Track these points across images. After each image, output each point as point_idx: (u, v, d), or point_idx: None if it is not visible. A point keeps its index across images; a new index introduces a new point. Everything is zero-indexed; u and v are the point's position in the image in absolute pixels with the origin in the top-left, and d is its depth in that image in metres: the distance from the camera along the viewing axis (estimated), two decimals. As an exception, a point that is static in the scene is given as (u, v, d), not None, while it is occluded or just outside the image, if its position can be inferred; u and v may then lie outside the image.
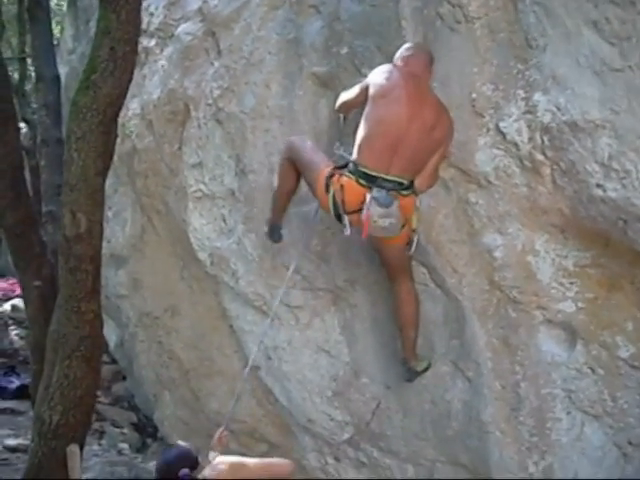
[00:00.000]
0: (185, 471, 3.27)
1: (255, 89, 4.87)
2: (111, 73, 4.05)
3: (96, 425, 6.85)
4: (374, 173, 3.77)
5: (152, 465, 6.29)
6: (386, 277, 4.27)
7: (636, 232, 3.44)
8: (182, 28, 5.41)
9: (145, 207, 6.00)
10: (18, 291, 11.01)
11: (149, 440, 7.17)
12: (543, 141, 3.62)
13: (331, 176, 3.91)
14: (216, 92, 5.07)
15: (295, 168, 4.22)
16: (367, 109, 3.85)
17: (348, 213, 3.85)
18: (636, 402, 3.80)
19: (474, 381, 4.16)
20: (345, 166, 3.92)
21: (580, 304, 3.83)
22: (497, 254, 3.94)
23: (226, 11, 5.07)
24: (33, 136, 10.36)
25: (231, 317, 5.30)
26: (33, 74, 11.84)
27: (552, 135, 3.57)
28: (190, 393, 6.00)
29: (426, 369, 4.26)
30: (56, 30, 10.66)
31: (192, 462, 3.34)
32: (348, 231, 3.88)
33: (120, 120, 4.48)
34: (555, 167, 3.62)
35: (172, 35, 5.51)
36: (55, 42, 7.78)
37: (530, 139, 3.68)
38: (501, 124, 3.77)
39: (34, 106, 11.17)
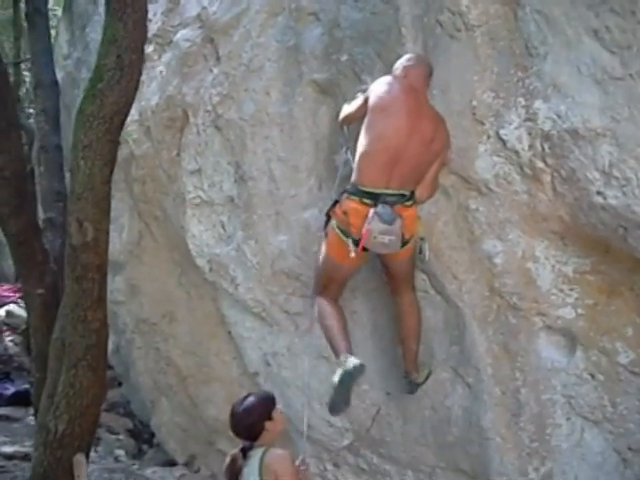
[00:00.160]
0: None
1: (255, 96, 4.88)
2: (117, 81, 4.05)
3: (92, 432, 6.82)
4: (376, 190, 3.78)
5: (149, 471, 6.29)
6: (387, 286, 4.27)
7: (636, 239, 3.46)
8: (181, 34, 5.41)
9: (143, 213, 6.00)
10: (13, 297, 10.98)
11: (145, 446, 7.15)
12: (543, 149, 3.64)
13: (329, 218, 3.99)
14: (215, 99, 5.08)
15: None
16: (366, 121, 3.87)
17: (356, 236, 3.82)
18: (636, 408, 3.82)
19: (474, 387, 4.17)
20: (342, 193, 3.94)
21: (580, 310, 3.85)
22: (497, 261, 3.95)
23: (225, 18, 5.08)
24: (29, 142, 10.32)
25: (229, 323, 5.29)
26: (27, 79, 11.87)
27: (553, 143, 3.59)
28: (188, 399, 6.00)
29: (426, 379, 4.25)
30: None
31: (270, 408, 3.41)
32: (353, 253, 3.83)
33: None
34: (555, 174, 3.63)
35: (170, 41, 5.51)
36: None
37: (530, 146, 3.69)
38: (501, 131, 3.78)
39: (29, 111, 11.16)
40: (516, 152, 3.75)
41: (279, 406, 3.48)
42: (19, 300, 9.94)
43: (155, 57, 5.63)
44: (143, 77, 5.56)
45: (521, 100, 3.71)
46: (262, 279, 4.97)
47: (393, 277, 4.16)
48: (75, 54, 7.38)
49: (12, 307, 10.67)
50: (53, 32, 8.78)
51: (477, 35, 3.84)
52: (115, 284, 6.53)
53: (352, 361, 3.79)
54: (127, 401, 7.68)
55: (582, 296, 3.83)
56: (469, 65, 3.87)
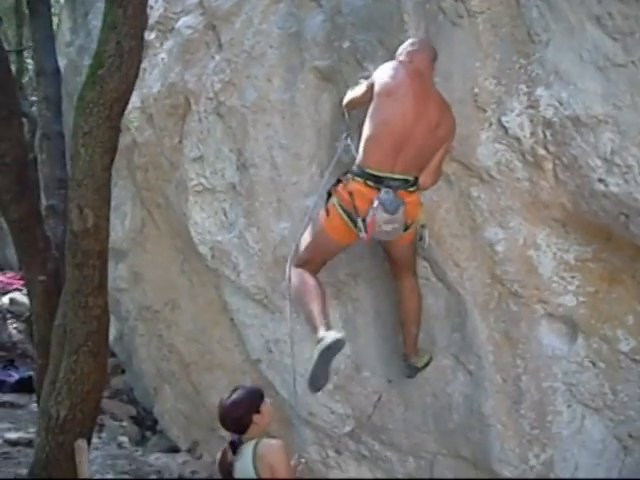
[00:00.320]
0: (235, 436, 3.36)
1: (256, 83, 4.87)
2: (118, 68, 4.05)
3: (95, 418, 6.86)
4: (381, 173, 3.77)
5: (152, 458, 6.33)
6: (389, 272, 4.28)
7: (638, 227, 3.46)
8: (182, 21, 5.39)
9: (145, 201, 6.00)
10: (16, 284, 11.02)
11: (148, 433, 7.18)
12: (545, 136, 3.63)
13: (330, 195, 3.96)
14: (217, 86, 5.06)
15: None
16: (372, 107, 3.85)
17: (362, 218, 3.78)
18: (636, 395, 3.83)
19: (475, 374, 4.18)
20: (346, 173, 3.93)
21: (581, 298, 3.85)
22: (499, 248, 3.96)
23: (227, 4, 5.06)
24: (31, 129, 10.33)
25: (232, 311, 5.30)
26: (30, 67, 11.85)
27: (554, 130, 3.58)
28: (190, 386, 6.02)
29: (427, 364, 4.27)
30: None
31: (258, 402, 3.40)
32: (363, 234, 3.79)
33: (121, 113, 4.48)
34: (557, 162, 3.63)
35: (172, 28, 5.49)
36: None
37: (532, 134, 3.69)
38: (503, 119, 3.78)
39: (32, 99, 11.16)
40: (518, 139, 3.74)
41: (267, 399, 3.48)
42: (22, 287, 9.98)
43: (157, 44, 5.61)
44: (145, 64, 5.58)
45: (523, 87, 3.70)
46: (264, 266, 4.98)
47: (395, 262, 4.18)
48: (77, 41, 7.35)
49: (15, 294, 10.73)
50: (55, 19, 8.77)
51: (479, 22, 3.83)
52: (118, 272, 6.54)
53: (331, 335, 3.69)
54: (130, 388, 7.72)
55: (583, 284, 3.84)
56: (471, 52, 3.86)
